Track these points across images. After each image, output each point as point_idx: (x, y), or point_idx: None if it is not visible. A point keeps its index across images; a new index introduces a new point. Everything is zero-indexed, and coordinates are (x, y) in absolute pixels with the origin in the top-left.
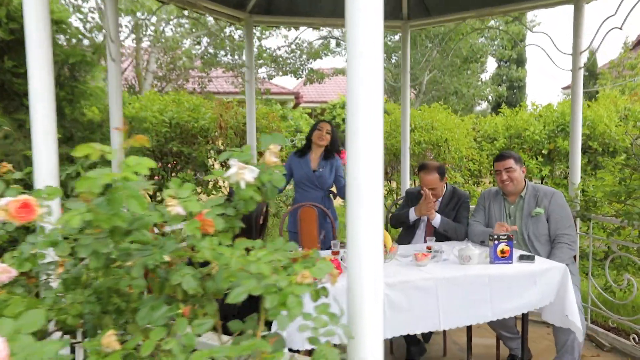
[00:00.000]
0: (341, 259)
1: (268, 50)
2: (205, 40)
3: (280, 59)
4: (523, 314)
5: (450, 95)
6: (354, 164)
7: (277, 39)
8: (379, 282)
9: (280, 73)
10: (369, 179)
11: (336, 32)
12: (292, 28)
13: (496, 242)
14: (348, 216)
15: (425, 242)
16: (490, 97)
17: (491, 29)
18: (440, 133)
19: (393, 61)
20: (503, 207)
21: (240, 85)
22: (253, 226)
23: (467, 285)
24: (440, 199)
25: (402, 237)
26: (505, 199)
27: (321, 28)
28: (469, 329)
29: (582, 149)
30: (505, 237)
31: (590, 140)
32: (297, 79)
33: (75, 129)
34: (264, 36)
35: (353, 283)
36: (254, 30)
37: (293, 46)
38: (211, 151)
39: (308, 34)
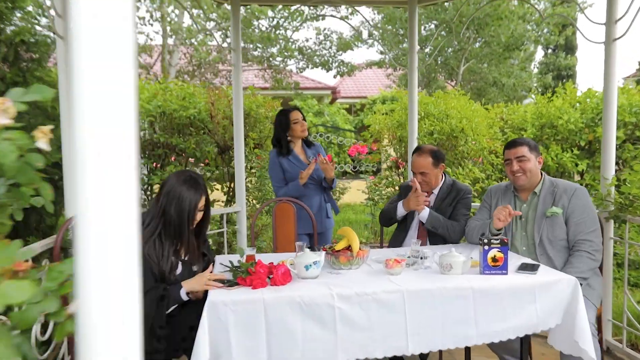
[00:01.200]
0: (291, 264)
1: (296, 43)
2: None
3: (310, 51)
4: (523, 336)
5: (490, 86)
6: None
7: (308, 31)
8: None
9: (311, 65)
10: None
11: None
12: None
13: (486, 247)
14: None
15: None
16: (535, 88)
17: (534, 12)
18: (455, 122)
19: (427, 50)
20: (513, 206)
21: (270, 79)
22: (185, 224)
23: (445, 301)
24: (436, 192)
25: (394, 237)
26: (517, 196)
27: (349, 17)
28: (467, 350)
29: (630, 140)
30: (498, 241)
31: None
32: (327, 71)
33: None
34: (293, 28)
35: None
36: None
37: (321, 37)
38: (204, 143)
39: (338, 25)
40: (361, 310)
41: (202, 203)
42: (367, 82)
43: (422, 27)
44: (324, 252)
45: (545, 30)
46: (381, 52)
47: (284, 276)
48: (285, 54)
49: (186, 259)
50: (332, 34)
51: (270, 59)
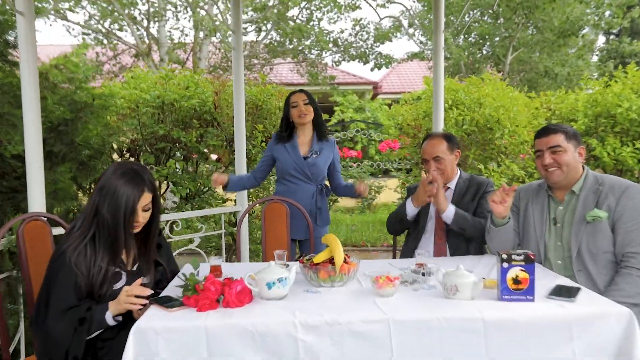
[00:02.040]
0: (249, 283)
1: (331, 34)
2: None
3: (346, 43)
4: None
5: (541, 77)
6: None
7: (345, 23)
8: None
9: (347, 58)
10: None
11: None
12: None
13: (505, 264)
14: None
15: (436, 250)
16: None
17: None
18: (489, 111)
19: (472, 39)
20: (546, 209)
21: (306, 73)
22: (121, 226)
23: (447, 336)
24: (452, 186)
25: (405, 244)
26: (552, 197)
27: (386, 5)
28: None
29: None
30: (522, 256)
31: None
32: (364, 64)
33: None
34: (329, 19)
35: None
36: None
37: (357, 28)
38: (209, 136)
39: (375, 15)
40: (332, 345)
41: (144, 201)
42: (411, 76)
43: (466, 15)
44: (295, 266)
45: (607, 13)
46: (421, 42)
47: (240, 296)
48: (317, 46)
49: (135, 269)
50: (368, 24)
51: (305, 51)
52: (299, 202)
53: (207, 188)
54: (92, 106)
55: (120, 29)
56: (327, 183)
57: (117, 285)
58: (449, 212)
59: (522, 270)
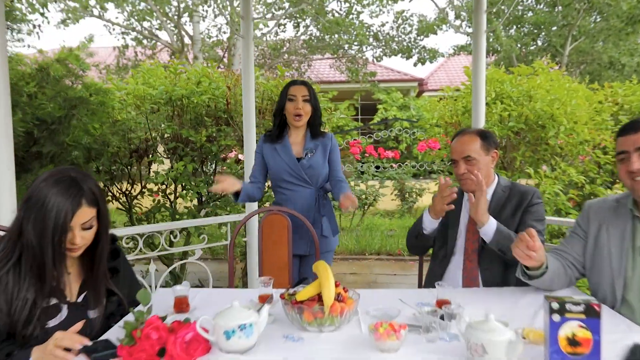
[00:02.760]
0: (204, 328)
1: (371, 28)
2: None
3: (387, 37)
4: None
5: (605, 68)
6: None
7: (388, 16)
8: None
9: (388, 53)
10: None
11: (456, 1)
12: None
13: (556, 316)
14: None
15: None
16: None
17: None
18: (541, 105)
19: (525, 29)
20: (629, 233)
21: (345, 70)
22: (48, 247)
23: None
24: (489, 196)
25: (431, 269)
26: (638, 218)
27: None
28: None
29: None
30: (582, 306)
31: None
32: (407, 59)
33: None
34: (373, 14)
35: None
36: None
37: (400, 20)
38: (222, 135)
39: (419, 7)
40: None
41: (83, 217)
42: (460, 72)
43: (519, 3)
44: (266, 308)
45: None
46: (467, 34)
47: (190, 349)
48: (356, 40)
49: (80, 300)
50: (411, 17)
51: (345, 46)
52: (299, 210)
53: (222, 194)
54: (87, 102)
55: (160, 28)
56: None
57: (53, 322)
58: (490, 226)
59: (583, 328)
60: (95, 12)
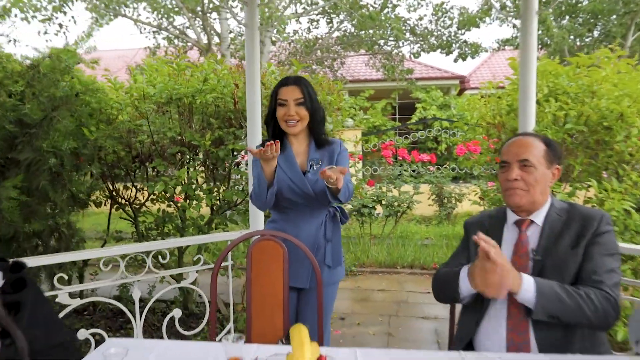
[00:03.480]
0: None
1: (408, 22)
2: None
3: (426, 31)
4: None
5: None
6: None
7: (427, 9)
8: None
9: (427, 48)
10: None
11: None
12: None
13: None
14: None
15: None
16: None
17: None
18: (607, 103)
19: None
20: None
21: (381, 67)
22: None
23: None
24: (540, 221)
25: (466, 314)
26: None
27: None
28: None
29: None
30: None
31: None
32: (447, 54)
33: None
34: (410, 7)
35: None
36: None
37: (439, 13)
38: (230, 139)
39: None
40: None
41: None
42: (505, 69)
43: None
44: None
45: None
46: (513, 26)
47: None
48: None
49: None
50: (451, 9)
51: (380, 42)
52: (302, 234)
53: (235, 203)
54: (70, 102)
55: (190, 26)
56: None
57: None
58: (527, 291)
59: None
60: (128, 12)
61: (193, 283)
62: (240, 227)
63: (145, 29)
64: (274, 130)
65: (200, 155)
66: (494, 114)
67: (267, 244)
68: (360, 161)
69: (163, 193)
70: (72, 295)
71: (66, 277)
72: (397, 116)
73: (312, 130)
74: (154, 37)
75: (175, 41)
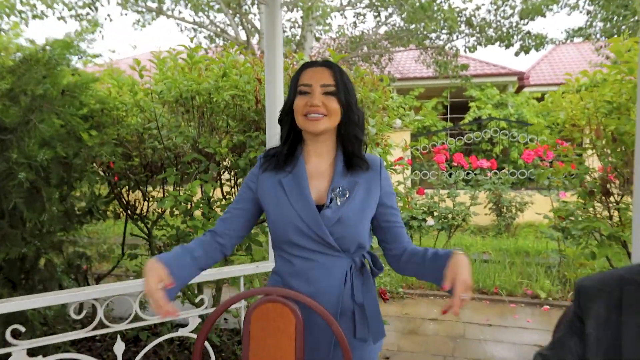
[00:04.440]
0: None
1: (463, 13)
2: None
3: (483, 22)
4: None
5: None
6: None
7: None
8: None
9: (484, 41)
10: None
11: None
12: None
13: None
14: None
15: None
16: None
17: None
18: None
19: None
20: None
21: (432, 63)
22: None
23: None
24: None
25: None
26: None
27: None
28: None
29: None
30: None
31: None
32: (506, 47)
33: None
34: None
35: None
36: None
37: (499, 2)
38: (255, 142)
39: None
40: None
41: None
42: (569, 65)
43: None
44: None
45: None
46: (587, 13)
47: None
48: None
49: None
50: None
51: (431, 36)
52: (317, 295)
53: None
54: (53, 102)
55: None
56: (372, 244)
57: None
58: None
59: None
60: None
61: (195, 330)
62: (265, 249)
63: (185, 27)
64: (289, 132)
65: (220, 165)
66: (589, 115)
67: (272, 308)
68: (410, 167)
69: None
70: (32, 353)
71: (23, 329)
72: (448, 116)
73: (342, 138)
74: (195, 36)
75: (217, 40)
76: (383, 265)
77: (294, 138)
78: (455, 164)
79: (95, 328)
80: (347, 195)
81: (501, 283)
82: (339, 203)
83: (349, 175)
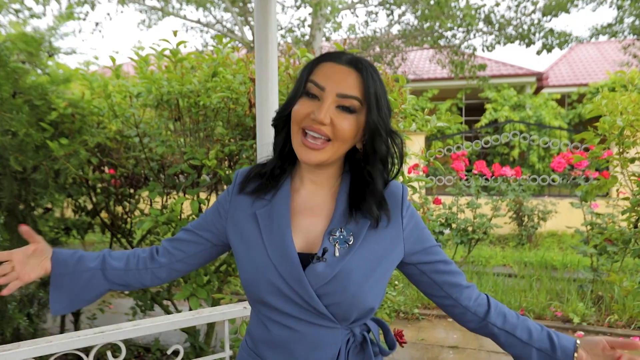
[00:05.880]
0: None
1: (482, 9)
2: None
3: (503, 20)
4: None
5: None
6: None
7: None
8: None
9: (503, 40)
10: None
11: None
12: None
13: None
14: None
15: None
16: None
17: None
18: None
19: None
20: None
21: (448, 63)
22: None
23: None
24: None
25: None
26: None
27: None
28: None
29: None
30: None
31: None
32: (527, 46)
33: None
34: None
35: None
36: None
37: None
38: (248, 152)
39: None
40: None
41: None
42: (589, 65)
43: None
44: None
45: None
46: (618, 8)
47: None
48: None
49: None
50: None
51: (447, 34)
52: None
53: None
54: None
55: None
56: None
57: None
58: None
59: None
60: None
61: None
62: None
63: (192, 27)
64: (285, 142)
65: (214, 177)
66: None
67: None
68: (424, 174)
69: (159, 228)
70: None
71: None
72: (463, 118)
73: (355, 166)
74: (201, 37)
75: (224, 40)
76: (396, 342)
77: (290, 150)
78: (476, 172)
79: None
80: (351, 243)
81: (528, 304)
82: (337, 254)
83: (355, 213)
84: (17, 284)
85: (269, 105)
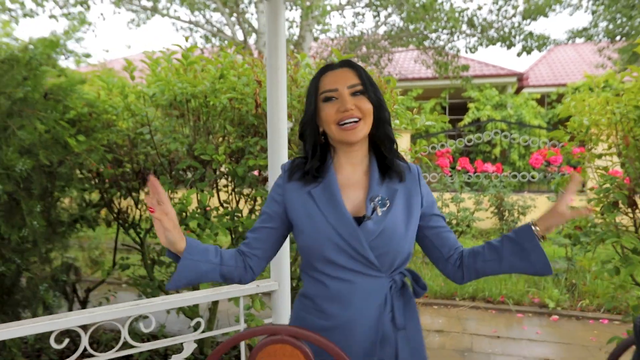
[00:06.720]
0: None
1: (465, 12)
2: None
3: (485, 22)
4: None
5: None
6: None
7: None
8: None
9: (485, 42)
10: None
11: None
12: None
13: None
14: None
15: None
16: None
17: None
18: None
19: None
20: None
21: (432, 64)
22: None
23: None
24: None
25: None
26: None
27: None
28: None
29: None
30: None
31: None
32: (509, 47)
33: None
34: None
35: None
36: None
37: (501, 2)
38: (255, 148)
39: None
40: None
41: None
42: (567, 66)
43: None
44: None
45: None
46: (593, 13)
47: None
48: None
49: None
50: None
51: (432, 36)
52: (355, 320)
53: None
54: (34, 106)
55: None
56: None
57: None
58: None
59: None
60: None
61: (189, 357)
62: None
63: (181, 26)
64: (314, 146)
65: (217, 172)
66: (615, 120)
67: (282, 350)
68: None
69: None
70: None
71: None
72: (447, 117)
73: (376, 141)
74: (191, 36)
75: (213, 39)
76: (426, 285)
77: (321, 150)
78: (460, 168)
79: (79, 358)
80: (388, 205)
81: (508, 292)
82: (379, 213)
83: (386, 183)
84: (165, 220)
85: (279, 106)
